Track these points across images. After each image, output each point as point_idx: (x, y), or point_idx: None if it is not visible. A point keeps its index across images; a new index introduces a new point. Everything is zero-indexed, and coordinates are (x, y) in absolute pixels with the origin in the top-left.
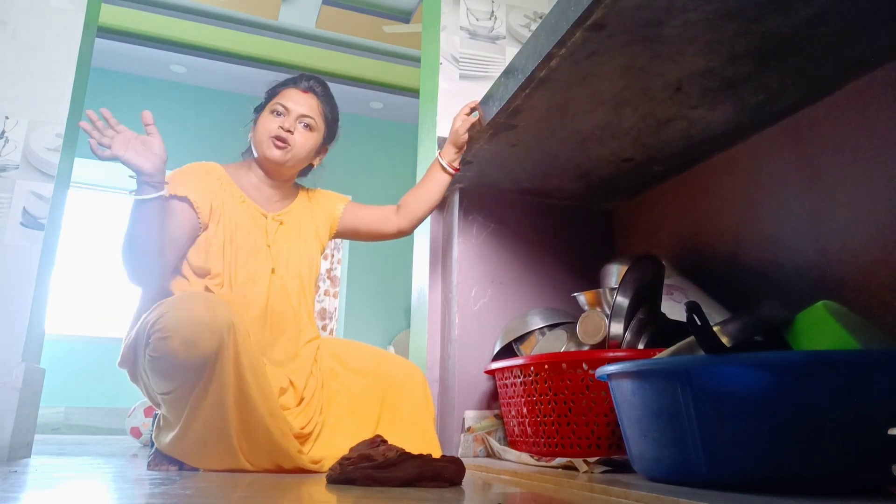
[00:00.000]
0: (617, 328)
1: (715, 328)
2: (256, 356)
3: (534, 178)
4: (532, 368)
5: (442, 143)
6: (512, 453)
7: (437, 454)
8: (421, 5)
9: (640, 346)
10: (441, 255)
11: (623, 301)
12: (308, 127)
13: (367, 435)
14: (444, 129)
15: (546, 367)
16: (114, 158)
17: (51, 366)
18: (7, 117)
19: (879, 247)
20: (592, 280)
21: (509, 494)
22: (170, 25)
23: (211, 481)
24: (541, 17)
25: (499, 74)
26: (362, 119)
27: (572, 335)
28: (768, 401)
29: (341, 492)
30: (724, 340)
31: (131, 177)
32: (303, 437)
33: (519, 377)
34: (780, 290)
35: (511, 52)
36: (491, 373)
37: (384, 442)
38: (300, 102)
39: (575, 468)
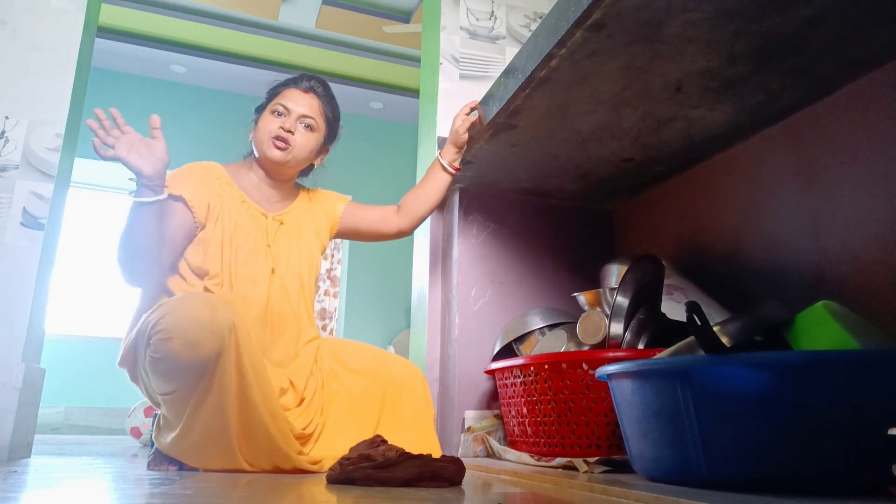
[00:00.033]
0: (617, 328)
1: (715, 328)
2: (258, 357)
3: (534, 178)
4: (532, 368)
5: (442, 143)
6: (512, 453)
7: (437, 454)
8: (421, 5)
9: (640, 346)
10: (441, 255)
11: (623, 301)
12: (309, 127)
13: (368, 435)
14: (444, 129)
15: (546, 367)
16: (115, 159)
17: (51, 366)
18: (7, 117)
19: (879, 247)
20: (592, 280)
21: (509, 494)
22: (170, 25)
23: (211, 481)
24: (541, 17)
25: (499, 74)
26: (362, 119)
27: (572, 335)
28: (768, 401)
29: (341, 492)
30: (724, 340)
31: (131, 179)
32: (303, 438)
33: (519, 377)
34: (780, 290)
35: (511, 52)
36: (491, 373)
37: (384, 442)
38: (301, 102)
39: (575, 468)
